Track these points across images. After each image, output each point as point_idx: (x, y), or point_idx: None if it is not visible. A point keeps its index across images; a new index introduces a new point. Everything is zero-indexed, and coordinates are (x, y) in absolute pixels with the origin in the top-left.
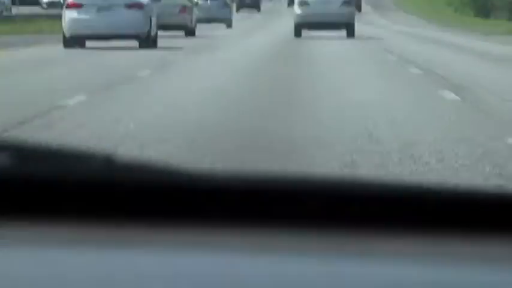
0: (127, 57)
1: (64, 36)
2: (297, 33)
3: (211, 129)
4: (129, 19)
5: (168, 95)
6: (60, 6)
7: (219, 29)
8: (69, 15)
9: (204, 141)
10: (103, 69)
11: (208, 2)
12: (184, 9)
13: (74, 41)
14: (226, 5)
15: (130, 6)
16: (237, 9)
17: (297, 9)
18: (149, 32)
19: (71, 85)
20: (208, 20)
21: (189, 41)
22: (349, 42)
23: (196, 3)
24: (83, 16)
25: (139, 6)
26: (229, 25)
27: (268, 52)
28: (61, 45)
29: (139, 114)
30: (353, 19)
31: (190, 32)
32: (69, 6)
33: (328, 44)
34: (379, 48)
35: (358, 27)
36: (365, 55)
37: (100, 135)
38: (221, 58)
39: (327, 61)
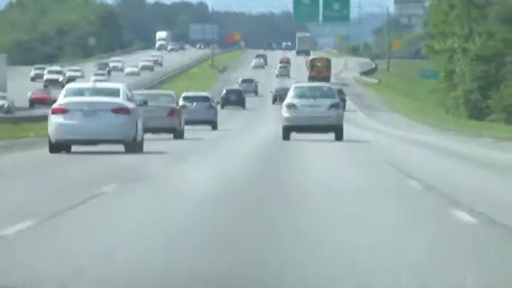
0: (103, 166)
1: (50, 142)
2: (285, 136)
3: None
4: (115, 124)
5: (130, 220)
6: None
7: (205, 131)
8: (54, 120)
9: None
10: (65, 185)
11: (194, 104)
12: (173, 112)
13: (60, 147)
14: (212, 107)
15: (116, 111)
16: (222, 106)
17: (284, 112)
18: (135, 136)
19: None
20: (194, 122)
21: (176, 144)
22: (341, 147)
23: (184, 106)
24: (69, 121)
25: (126, 111)
26: (214, 127)
27: (255, 158)
28: (47, 150)
29: (88, 247)
30: (341, 122)
31: (179, 135)
32: (54, 112)
33: (318, 153)
34: (375, 157)
35: (351, 130)
36: (360, 166)
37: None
38: (205, 166)
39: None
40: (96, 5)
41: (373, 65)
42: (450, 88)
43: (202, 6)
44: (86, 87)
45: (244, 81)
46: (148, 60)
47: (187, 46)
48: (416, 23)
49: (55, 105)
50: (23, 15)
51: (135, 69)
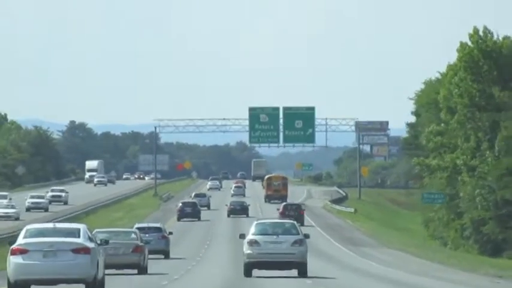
0: None
1: (8, 282)
2: (247, 273)
3: None
4: (76, 264)
5: None
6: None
7: (162, 260)
8: (13, 260)
9: None
10: None
11: (147, 235)
12: (137, 248)
13: (19, 287)
14: (164, 237)
15: (76, 251)
16: (178, 219)
17: (246, 248)
18: (96, 275)
19: None
20: (149, 253)
21: (139, 280)
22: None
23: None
24: (28, 261)
25: (86, 250)
26: (167, 256)
27: None
28: None
29: None
30: (305, 258)
31: (143, 271)
32: (13, 252)
33: None
34: None
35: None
36: None
37: None
38: None
39: None
40: (30, 131)
41: (343, 194)
42: (449, 217)
43: (154, 136)
44: (45, 227)
45: (197, 195)
46: (40, 197)
47: (126, 175)
48: (379, 152)
49: (14, 246)
50: None
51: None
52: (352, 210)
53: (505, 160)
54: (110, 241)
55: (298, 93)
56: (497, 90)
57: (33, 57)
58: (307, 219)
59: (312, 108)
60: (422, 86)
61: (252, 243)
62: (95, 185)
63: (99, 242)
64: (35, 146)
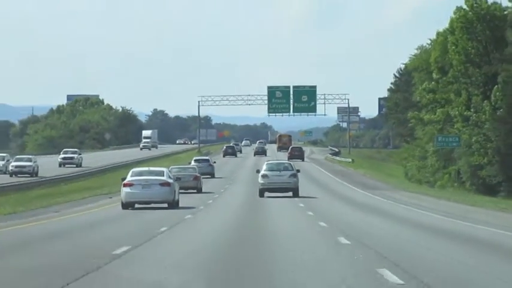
0: (154, 217)
1: (122, 203)
2: (261, 195)
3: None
4: (161, 192)
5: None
6: None
7: (209, 180)
8: (125, 190)
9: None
10: (140, 226)
11: (200, 164)
12: (196, 177)
13: (128, 205)
14: (210, 165)
15: (162, 184)
16: (223, 156)
17: (260, 179)
18: (174, 198)
19: (111, 241)
20: (201, 175)
21: (197, 197)
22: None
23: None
24: (133, 191)
25: (167, 184)
26: (213, 176)
27: (244, 207)
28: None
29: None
30: (297, 186)
31: (199, 190)
32: (124, 185)
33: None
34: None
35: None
36: None
37: None
38: (214, 214)
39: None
40: (118, 110)
41: (337, 150)
42: (440, 164)
43: (207, 119)
44: (143, 170)
45: (230, 146)
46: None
47: (179, 141)
48: (352, 127)
49: (125, 181)
50: (58, 118)
51: None
52: (350, 160)
53: (504, 108)
54: (179, 173)
55: (305, 73)
56: (492, 49)
57: (126, 56)
58: (316, 167)
59: (314, 87)
60: (417, 51)
61: (264, 176)
62: (141, 149)
63: (175, 178)
64: (120, 120)
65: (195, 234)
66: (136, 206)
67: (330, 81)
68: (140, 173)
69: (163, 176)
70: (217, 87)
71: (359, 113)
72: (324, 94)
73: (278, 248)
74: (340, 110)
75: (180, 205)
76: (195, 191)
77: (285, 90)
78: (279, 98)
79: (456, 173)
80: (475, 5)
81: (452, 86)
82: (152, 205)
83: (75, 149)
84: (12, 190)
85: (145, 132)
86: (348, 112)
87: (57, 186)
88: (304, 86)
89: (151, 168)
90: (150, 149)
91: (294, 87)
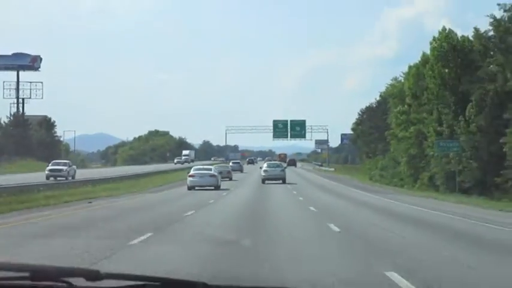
0: (205, 195)
1: (187, 186)
2: (263, 182)
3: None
4: (210, 180)
5: (222, 208)
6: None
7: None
8: (189, 179)
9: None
10: (198, 200)
11: (231, 163)
12: (228, 172)
13: (191, 188)
14: (240, 165)
15: (211, 176)
16: (247, 164)
17: (262, 173)
18: (217, 184)
19: (185, 207)
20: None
21: (229, 183)
22: None
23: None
24: (194, 179)
25: (214, 176)
26: (242, 171)
27: (255, 187)
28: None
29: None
30: (285, 176)
31: (231, 179)
32: (189, 176)
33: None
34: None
35: None
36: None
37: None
38: (239, 192)
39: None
40: (176, 139)
41: (320, 164)
42: (411, 172)
43: (235, 147)
44: (200, 167)
45: (234, 162)
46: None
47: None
48: (323, 152)
49: (189, 173)
50: (138, 143)
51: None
52: (333, 169)
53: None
54: (221, 169)
55: (299, 110)
56: (463, 73)
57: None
58: (307, 172)
59: (304, 121)
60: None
61: (265, 171)
62: (175, 163)
63: (218, 172)
64: (177, 144)
65: (228, 203)
66: (196, 188)
67: (314, 116)
68: (198, 169)
69: (211, 171)
70: (236, 119)
71: (328, 143)
72: (311, 126)
73: (276, 208)
74: (317, 142)
75: (221, 188)
76: (228, 179)
77: (284, 122)
78: (280, 128)
79: (429, 178)
80: (448, 36)
81: (424, 107)
82: (205, 188)
83: (66, 161)
84: (94, 183)
85: (185, 152)
86: (327, 138)
87: (119, 183)
88: (298, 120)
89: (205, 166)
90: (182, 164)
91: (291, 121)
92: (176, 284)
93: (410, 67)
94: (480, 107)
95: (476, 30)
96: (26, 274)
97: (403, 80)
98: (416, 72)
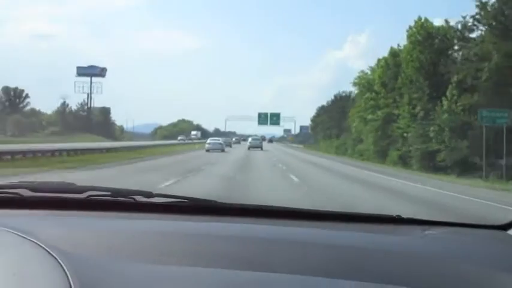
0: (217, 155)
1: (206, 149)
2: (248, 149)
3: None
4: (219, 146)
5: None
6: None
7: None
8: (206, 145)
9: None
10: (210, 156)
11: (233, 138)
12: (230, 143)
13: (207, 150)
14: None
15: (220, 143)
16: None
17: (248, 143)
18: (223, 149)
19: (204, 161)
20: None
21: (229, 149)
22: None
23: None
24: (209, 146)
25: (221, 144)
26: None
27: (244, 152)
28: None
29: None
30: (262, 145)
31: (230, 148)
32: (207, 144)
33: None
34: None
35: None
36: None
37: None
38: (234, 152)
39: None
40: (194, 123)
41: (291, 143)
42: (379, 149)
43: (233, 132)
44: (213, 138)
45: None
46: None
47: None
48: (289, 137)
49: (206, 142)
50: (170, 127)
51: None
52: (302, 146)
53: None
54: (224, 141)
55: (276, 106)
56: (439, 59)
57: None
58: (282, 147)
59: (279, 113)
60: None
61: (250, 142)
62: (178, 140)
63: (224, 143)
64: (196, 128)
65: (228, 158)
66: (210, 151)
67: (286, 108)
68: (212, 140)
69: (220, 141)
70: (232, 109)
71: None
72: (284, 117)
73: (257, 162)
74: (285, 130)
75: (225, 151)
76: (229, 148)
77: (265, 113)
78: (263, 118)
79: (398, 156)
80: (424, 25)
81: (394, 92)
82: (216, 152)
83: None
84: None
85: (193, 132)
86: (294, 127)
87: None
88: (275, 113)
89: (215, 138)
90: (184, 141)
91: (270, 113)
92: (198, 201)
93: (379, 60)
94: (461, 89)
95: (447, 22)
96: (108, 193)
97: (369, 73)
98: (386, 64)
